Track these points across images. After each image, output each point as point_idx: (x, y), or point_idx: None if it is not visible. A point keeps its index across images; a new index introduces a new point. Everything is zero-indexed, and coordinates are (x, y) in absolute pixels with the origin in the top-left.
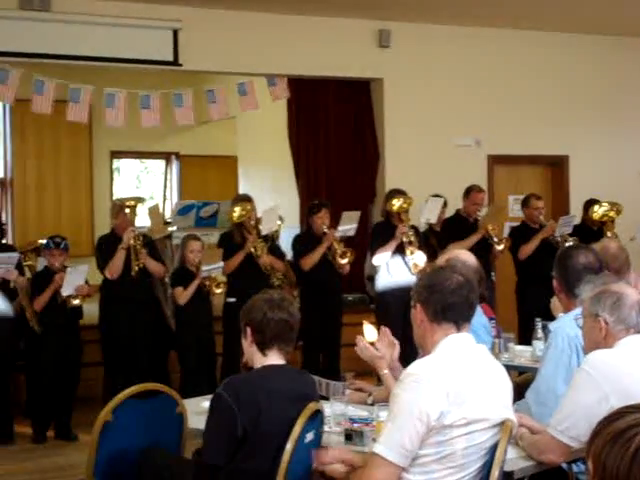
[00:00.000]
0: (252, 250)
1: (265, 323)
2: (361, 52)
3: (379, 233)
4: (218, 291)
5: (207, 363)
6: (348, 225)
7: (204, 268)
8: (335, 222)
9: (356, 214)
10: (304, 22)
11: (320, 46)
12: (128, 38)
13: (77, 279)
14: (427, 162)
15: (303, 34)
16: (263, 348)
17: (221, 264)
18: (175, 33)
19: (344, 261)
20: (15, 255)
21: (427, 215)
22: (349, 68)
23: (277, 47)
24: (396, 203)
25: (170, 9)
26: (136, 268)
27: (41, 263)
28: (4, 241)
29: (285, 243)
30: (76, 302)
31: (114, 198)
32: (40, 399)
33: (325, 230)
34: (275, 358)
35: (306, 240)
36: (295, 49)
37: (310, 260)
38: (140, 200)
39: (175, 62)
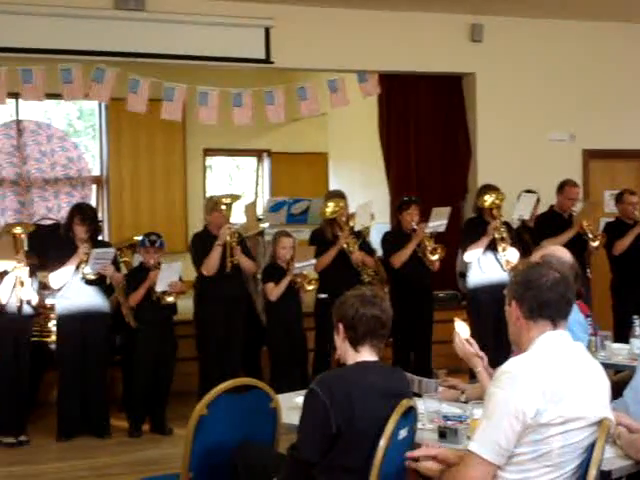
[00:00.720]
0: (345, 246)
1: (357, 319)
2: (453, 47)
3: (471, 229)
4: (309, 288)
5: (298, 359)
6: (438, 221)
7: (296, 265)
8: (425, 218)
9: (446, 210)
10: (395, 18)
11: (411, 41)
12: (221, 36)
13: (171, 276)
14: (520, 157)
15: (394, 30)
16: (355, 344)
17: (313, 261)
18: (267, 31)
19: (434, 257)
20: (111, 251)
21: (520, 211)
22: (441, 63)
23: (368, 43)
24: (488, 199)
25: (262, 7)
26: (230, 265)
27: (136, 259)
28: (100, 238)
29: (375, 240)
30: (170, 299)
31: (208, 195)
32: (136, 393)
33: (415, 226)
34: (367, 354)
35: (396, 237)
36: (386, 45)
37: (400, 257)
38: (235, 197)
39: (267, 60)
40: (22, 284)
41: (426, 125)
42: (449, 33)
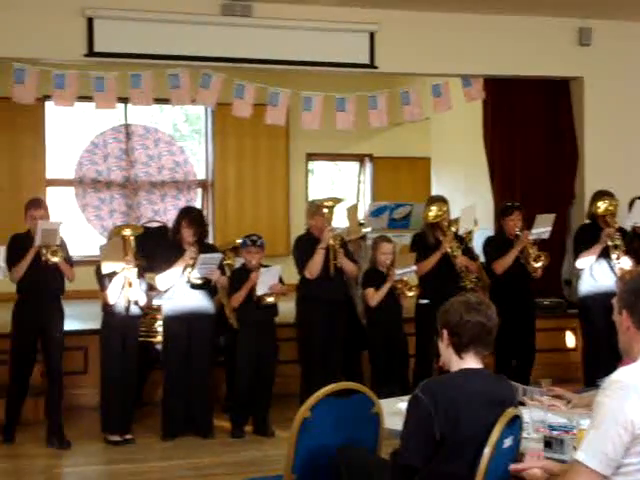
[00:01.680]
0: (448, 250)
1: (462, 326)
2: (560, 51)
3: (584, 236)
4: (410, 294)
5: (399, 364)
6: (542, 228)
7: (397, 272)
8: (529, 224)
9: (551, 217)
10: (502, 21)
11: (517, 45)
12: (326, 42)
13: (270, 279)
14: (630, 162)
15: (500, 33)
16: (459, 351)
17: (414, 268)
18: (372, 36)
19: (538, 265)
20: (218, 256)
21: (635, 218)
22: (548, 67)
23: (473, 47)
24: (602, 205)
25: (367, 12)
26: (333, 268)
27: (238, 262)
28: (207, 241)
29: (477, 245)
30: (270, 300)
31: (310, 199)
32: (237, 394)
33: (518, 232)
34: (472, 362)
35: (498, 242)
36: (492, 49)
37: (503, 263)
38: (337, 201)
39: (371, 65)
40: (130, 285)
41: (531, 130)
42: (556, 37)
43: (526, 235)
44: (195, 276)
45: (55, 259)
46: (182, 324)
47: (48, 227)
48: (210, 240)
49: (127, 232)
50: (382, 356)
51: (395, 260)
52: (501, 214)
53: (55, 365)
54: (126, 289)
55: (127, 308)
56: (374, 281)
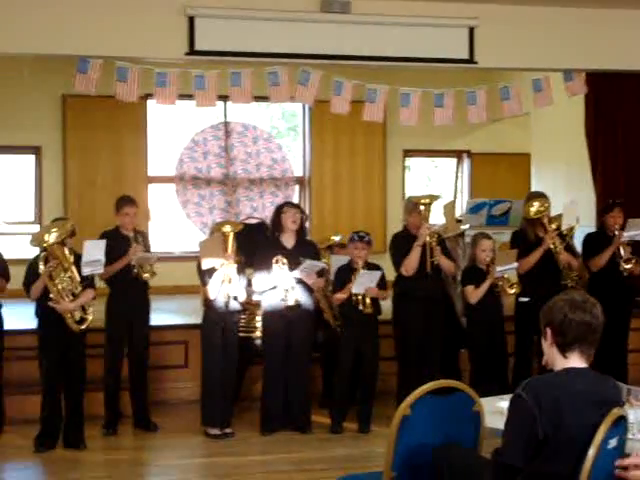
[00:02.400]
0: (551, 247)
1: (566, 325)
2: None
3: None
4: (511, 292)
5: (498, 362)
6: (635, 231)
7: (498, 269)
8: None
9: None
10: (604, 14)
11: (621, 39)
12: (424, 37)
13: (368, 282)
14: None
15: (603, 27)
16: (564, 350)
17: (515, 265)
18: (471, 30)
19: (628, 267)
20: (321, 265)
21: None
22: None
23: (575, 41)
24: None
25: (466, 6)
26: (430, 265)
27: (334, 260)
28: (307, 237)
29: (577, 242)
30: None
31: (407, 196)
32: (339, 391)
33: (616, 231)
34: (576, 361)
35: (597, 240)
36: (594, 42)
37: (598, 261)
38: (434, 198)
39: (471, 60)
40: (230, 281)
41: (635, 125)
42: None
43: (620, 236)
44: (294, 275)
45: (146, 275)
46: (282, 320)
47: (146, 257)
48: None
49: (227, 228)
50: (482, 354)
51: (495, 257)
52: (602, 211)
53: (141, 357)
54: (226, 285)
55: (227, 303)
56: (474, 278)
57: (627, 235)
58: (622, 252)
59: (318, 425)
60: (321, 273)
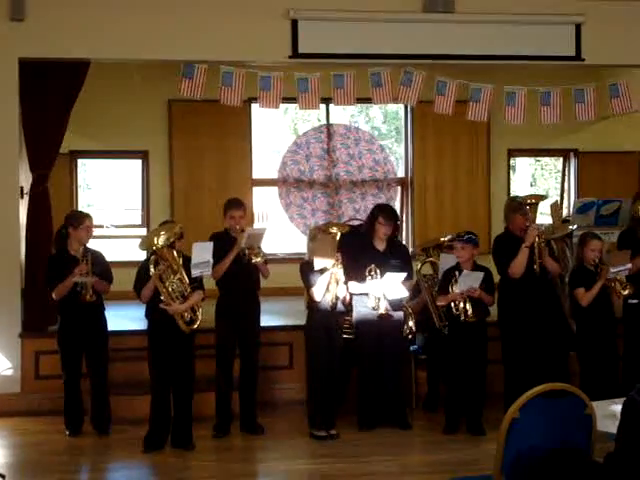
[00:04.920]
0: None
1: None
2: None
3: None
4: (624, 293)
5: (608, 366)
6: None
7: (612, 270)
8: None
9: None
10: None
11: None
12: (529, 34)
13: (471, 282)
14: None
15: None
16: None
17: (629, 265)
18: (578, 27)
19: None
20: (402, 275)
21: None
22: None
23: None
24: None
25: (572, 3)
26: (538, 267)
27: (443, 260)
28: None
29: None
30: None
31: (510, 196)
32: (452, 393)
33: None
34: None
35: None
36: None
37: None
38: (541, 197)
39: (577, 57)
40: (337, 282)
41: None
42: None
43: None
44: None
45: (257, 259)
46: (373, 323)
47: (255, 232)
48: (409, 238)
49: (334, 230)
50: (592, 357)
51: (610, 258)
52: None
53: (252, 359)
54: (333, 286)
55: (333, 305)
56: (583, 280)
57: None
58: None
59: (423, 427)
60: (408, 278)
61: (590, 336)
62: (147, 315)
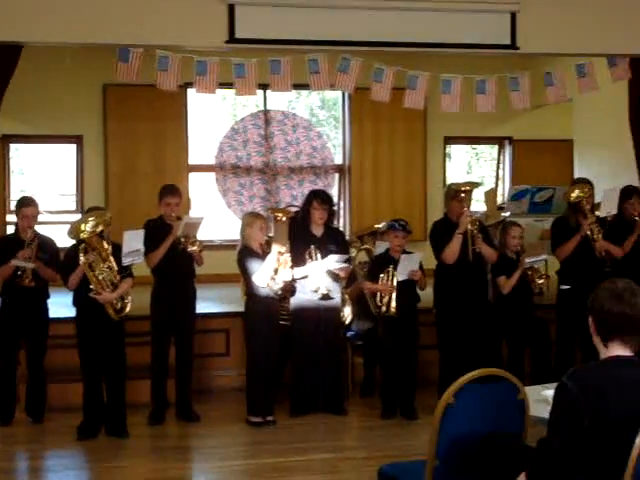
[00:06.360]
0: (588, 233)
1: (604, 315)
2: None
3: None
4: (540, 282)
5: (537, 350)
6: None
7: (527, 260)
8: None
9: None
10: None
11: None
12: (466, 23)
13: (411, 265)
14: None
15: None
16: (605, 339)
17: (544, 257)
18: (513, 16)
19: None
20: (344, 257)
21: None
22: None
23: (618, 25)
24: None
25: None
26: (471, 253)
27: (378, 247)
28: (336, 224)
29: None
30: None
31: (448, 183)
32: (387, 378)
33: (636, 217)
34: (618, 350)
35: (617, 227)
36: (638, 27)
37: (619, 250)
38: (475, 185)
39: (513, 45)
40: (284, 268)
41: None
42: None
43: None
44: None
45: (193, 248)
46: (311, 308)
47: (192, 221)
48: (347, 225)
49: (280, 215)
50: (516, 342)
51: (542, 244)
52: (621, 196)
53: (187, 346)
54: (280, 272)
55: (277, 292)
56: (504, 268)
57: None
58: None
59: (359, 412)
60: (348, 261)
61: (509, 320)
62: (75, 303)
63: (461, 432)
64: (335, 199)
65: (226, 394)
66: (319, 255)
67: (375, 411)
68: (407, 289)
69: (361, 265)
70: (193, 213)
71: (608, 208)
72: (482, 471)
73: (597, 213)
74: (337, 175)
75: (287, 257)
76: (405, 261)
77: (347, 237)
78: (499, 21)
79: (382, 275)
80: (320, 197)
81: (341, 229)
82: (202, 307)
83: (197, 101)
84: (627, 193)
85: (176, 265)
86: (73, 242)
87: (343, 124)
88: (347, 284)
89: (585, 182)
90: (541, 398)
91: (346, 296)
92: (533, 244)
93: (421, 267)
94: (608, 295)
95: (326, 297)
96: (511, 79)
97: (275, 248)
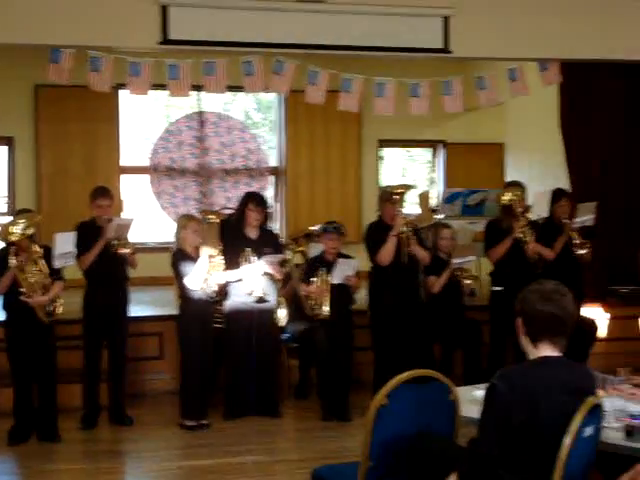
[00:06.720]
0: (520, 236)
1: (534, 316)
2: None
3: None
4: (468, 282)
5: (468, 351)
6: (584, 217)
7: (455, 261)
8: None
9: (592, 205)
10: (579, 4)
11: (595, 28)
12: (399, 27)
13: (347, 270)
14: None
15: (578, 16)
16: (534, 340)
17: (471, 258)
18: (446, 20)
19: (582, 252)
20: (280, 256)
21: None
22: (627, 50)
23: (549, 30)
24: None
25: None
26: (405, 256)
27: (312, 249)
28: (270, 226)
29: None
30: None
31: (382, 186)
32: (322, 382)
33: (564, 220)
34: (547, 350)
35: (548, 229)
36: (568, 32)
37: (550, 252)
38: (409, 187)
39: (445, 49)
40: (216, 270)
41: (610, 114)
42: (636, 19)
43: (569, 224)
44: (261, 270)
45: (125, 250)
46: (246, 311)
47: (122, 222)
48: (283, 227)
49: (212, 218)
50: (448, 344)
51: (454, 250)
52: (551, 199)
53: (120, 349)
54: (211, 274)
55: (210, 295)
56: (436, 268)
57: (578, 221)
58: (575, 238)
59: (294, 415)
60: (283, 264)
61: (437, 321)
62: (4, 307)
63: (394, 433)
64: (270, 201)
65: (160, 398)
66: (254, 258)
67: (310, 413)
68: (341, 291)
69: (297, 267)
70: (125, 215)
71: (539, 211)
72: (415, 471)
73: (529, 216)
74: (273, 177)
75: (219, 260)
76: (342, 265)
77: (282, 240)
78: (432, 25)
79: (315, 279)
80: (255, 199)
81: (277, 231)
82: (135, 310)
83: (130, 102)
84: (557, 196)
85: (108, 268)
86: (2, 245)
87: (279, 126)
88: (282, 286)
89: (517, 185)
90: (472, 399)
91: (282, 299)
92: (462, 246)
93: (357, 273)
94: (537, 296)
95: (261, 300)
96: (444, 83)
97: (205, 251)
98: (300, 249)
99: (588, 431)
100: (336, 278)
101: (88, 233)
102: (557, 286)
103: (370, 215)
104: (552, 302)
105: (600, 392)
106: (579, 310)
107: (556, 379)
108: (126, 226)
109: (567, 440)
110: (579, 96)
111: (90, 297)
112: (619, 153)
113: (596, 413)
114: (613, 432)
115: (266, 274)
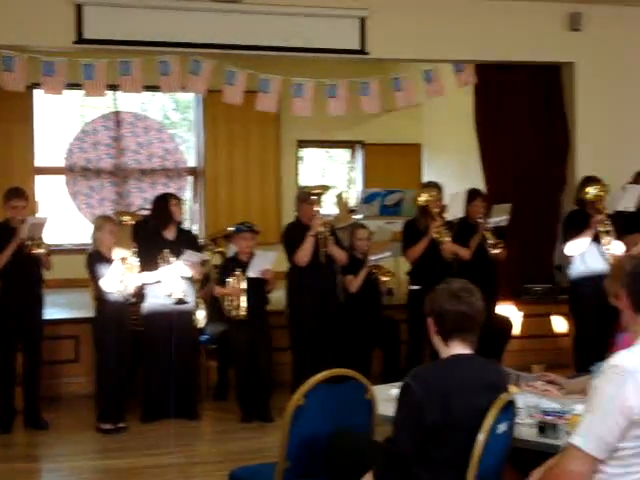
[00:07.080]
0: (436, 236)
1: (443, 314)
2: (551, 36)
3: (572, 222)
4: (385, 279)
5: (387, 350)
6: (499, 217)
7: (372, 258)
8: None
9: (507, 206)
10: (493, 6)
11: (509, 30)
12: (316, 27)
13: (264, 263)
14: (622, 148)
15: (491, 18)
16: (445, 339)
17: (387, 254)
18: (362, 21)
19: (496, 251)
20: (200, 255)
21: (626, 203)
22: (539, 52)
23: (464, 32)
24: (591, 191)
25: None
26: (323, 256)
27: (231, 250)
28: (188, 227)
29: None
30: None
31: (300, 186)
32: (240, 383)
33: (479, 220)
34: (459, 348)
35: (463, 229)
36: (483, 34)
37: (465, 251)
38: (326, 188)
39: (362, 51)
40: (131, 272)
41: (523, 115)
42: (547, 22)
43: (484, 224)
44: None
45: (40, 251)
46: (164, 312)
47: (36, 221)
48: (202, 228)
49: (127, 219)
50: (365, 342)
51: (370, 246)
52: (467, 200)
53: (35, 352)
54: (127, 276)
55: (126, 297)
56: (353, 269)
57: (492, 222)
58: (488, 238)
59: (213, 417)
60: (203, 263)
61: (358, 320)
62: None
63: (311, 432)
64: (189, 202)
65: (76, 401)
66: (173, 259)
67: (229, 415)
68: (256, 291)
69: (215, 268)
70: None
71: (454, 211)
72: (333, 469)
73: (445, 216)
74: (191, 178)
75: (133, 262)
76: (259, 257)
77: (201, 241)
78: (349, 26)
79: (230, 279)
80: (173, 196)
81: (195, 232)
82: (51, 313)
83: (44, 102)
84: (471, 195)
85: (22, 269)
86: None
87: (197, 127)
88: (201, 287)
89: (433, 186)
90: (388, 397)
91: (200, 300)
92: (377, 242)
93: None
94: (446, 295)
95: (180, 302)
96: (362, 84)
97: (117, 253)
98: (219, 250)
99: (502, 428)
100: (252, 271)
101: (2, 234)
102: (464, 284)
103: (290, 216)
104: (460, 300)
105: (513, 389)
106: (494, 308)
107: (468, 377)
108: (40, 225)
109: (481, 437)
110: (493, 97)
111: (3, 299)
112: (531, 154)
113: (510, 410)
114: (526, 428)
115: (184, 276)
